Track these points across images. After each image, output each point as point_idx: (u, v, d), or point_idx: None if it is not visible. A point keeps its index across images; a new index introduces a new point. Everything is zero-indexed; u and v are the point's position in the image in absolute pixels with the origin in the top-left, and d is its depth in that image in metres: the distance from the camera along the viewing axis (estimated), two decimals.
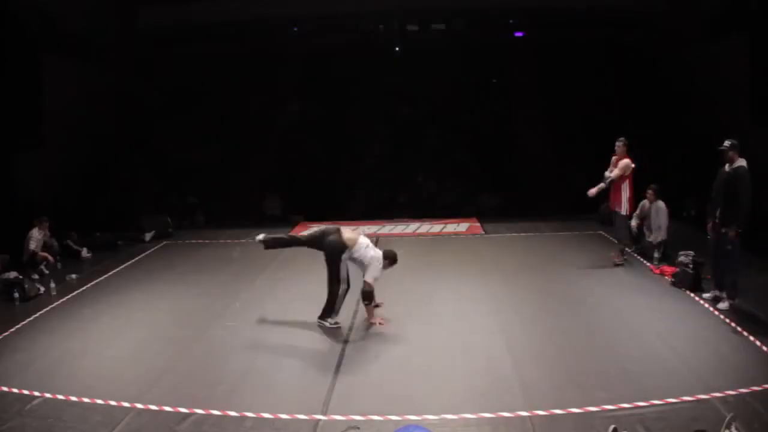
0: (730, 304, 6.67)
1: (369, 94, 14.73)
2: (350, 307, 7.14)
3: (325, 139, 14.97)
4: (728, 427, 4.09)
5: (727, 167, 6.62)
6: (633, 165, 8.43)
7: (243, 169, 13.87)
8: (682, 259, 7.69)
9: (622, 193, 8.49)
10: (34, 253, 8.85)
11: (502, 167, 14.38)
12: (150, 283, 8.60)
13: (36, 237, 8.94)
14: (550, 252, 9.74)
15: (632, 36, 13.01)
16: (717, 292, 6.89)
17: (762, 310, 6.52)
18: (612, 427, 4.17)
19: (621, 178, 8.39)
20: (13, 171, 10.34)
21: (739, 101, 10.49)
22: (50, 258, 9.07)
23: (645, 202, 9.06)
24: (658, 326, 6.26)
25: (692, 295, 7.19)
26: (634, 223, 9.11)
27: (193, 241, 11.44)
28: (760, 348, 5.64)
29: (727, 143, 6.56)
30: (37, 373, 5.54)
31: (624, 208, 8.55)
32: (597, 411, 4.58)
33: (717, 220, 6.72)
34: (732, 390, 4.79)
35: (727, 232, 6.57)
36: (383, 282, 7.48)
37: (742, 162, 6.52)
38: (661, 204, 8.81)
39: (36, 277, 8.58)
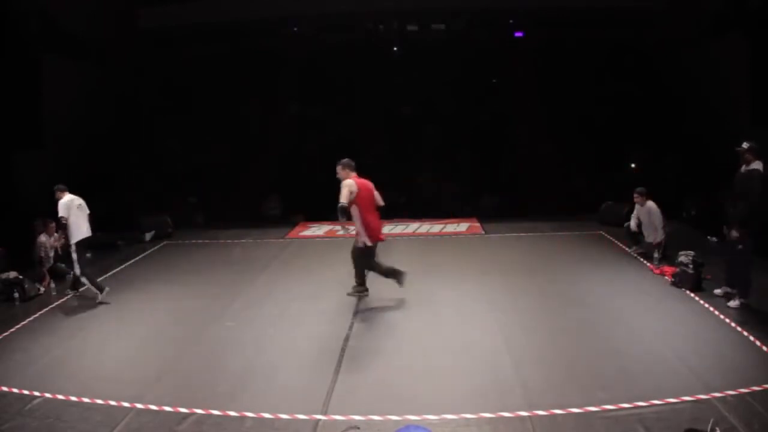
0: (741, 303, 6.66)
1: (369, 94, 14.71)
2: (349, 306, 7.16)
3: (324, 139, 14.95)
4: None
5: (743, 168, 6.60)
6: None
7: (243, 169, 13.85)
8: (682, 259, 7.68)
9: None
10: (41, 263, 8.67)
11: (502, 167, 14.37)
12: (150, 283, 8.61)
13: (44, 244, 8.78)
14: (550, 252, 9.74)
15: (632, 36, 13.00)
16: (729, 289, 6.88)
17: (763, 311, 6.51)
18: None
19: None
20: (13, 171, 10.33)
21: (739, 101, 10.49)
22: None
23: (637, 206, 9.07)
24: (658, 326, 6.26)
25: (692, 295, 7.18)
26: (633, 223, 9.14)
27: (193, 241, 11.45)
28: (760, 348, 5.64)
29: (745, 145, 6.54)
30: (37, 373, 5.54)
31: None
32: (597, 411, 4.58)
33: (729, 219, 6.72)
34: (732, 390, 4.78)
35: (736, 230, 6.58)
36: (384, 281, 7.50)
37: (757, 164, 6.48)
38: (651, 204, 8.81)
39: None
